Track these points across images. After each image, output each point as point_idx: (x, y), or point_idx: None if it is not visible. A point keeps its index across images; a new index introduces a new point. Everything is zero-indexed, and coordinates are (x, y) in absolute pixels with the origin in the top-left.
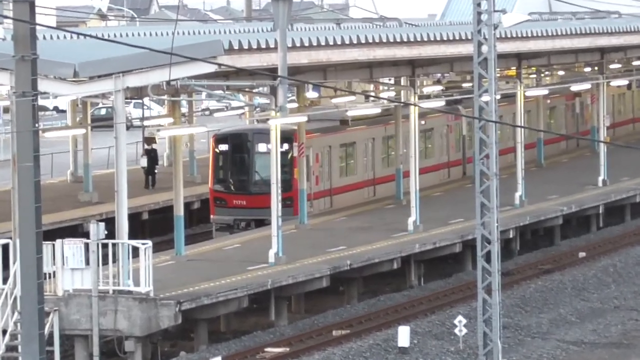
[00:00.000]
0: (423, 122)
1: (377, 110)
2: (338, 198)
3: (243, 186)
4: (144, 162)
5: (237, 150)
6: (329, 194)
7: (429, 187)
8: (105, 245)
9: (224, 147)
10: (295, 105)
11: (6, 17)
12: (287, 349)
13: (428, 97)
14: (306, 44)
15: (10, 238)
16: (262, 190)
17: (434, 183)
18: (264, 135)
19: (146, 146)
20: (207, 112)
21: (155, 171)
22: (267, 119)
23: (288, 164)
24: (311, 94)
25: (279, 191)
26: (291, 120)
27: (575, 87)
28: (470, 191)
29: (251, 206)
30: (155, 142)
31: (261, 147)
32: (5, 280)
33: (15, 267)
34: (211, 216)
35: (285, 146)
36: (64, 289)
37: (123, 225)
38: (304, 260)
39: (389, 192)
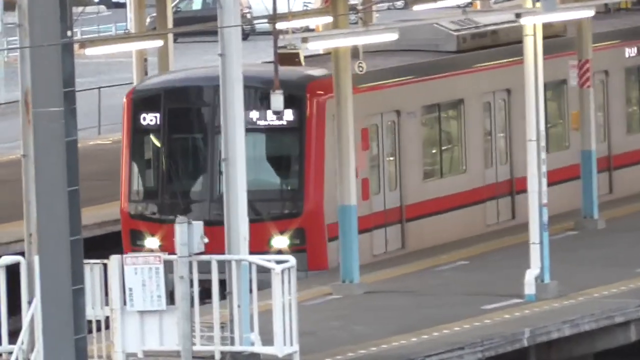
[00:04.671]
0: None
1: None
2: (417, 227)
3: (197, 208)
4: None
5: (180, 127)
6: (399, 218)
7: None
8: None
9: (151, 119)
10: None
11: None
12: None
13: None
14: None
15: (22, 253)
16: None
17: None
18: None
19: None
20: (398, 3)
21: None
22: (519, 16)
23: (296, 154)
24: None
25: (544, 169)
26: (562, 17)
27: None
28: None
29: (214, 250)
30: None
31: None
32: (13, 336)
33: (31, 310)
34: None
35: (290, 115)
36: (126, 352)
37: (240, 224)
38: (592, 290)
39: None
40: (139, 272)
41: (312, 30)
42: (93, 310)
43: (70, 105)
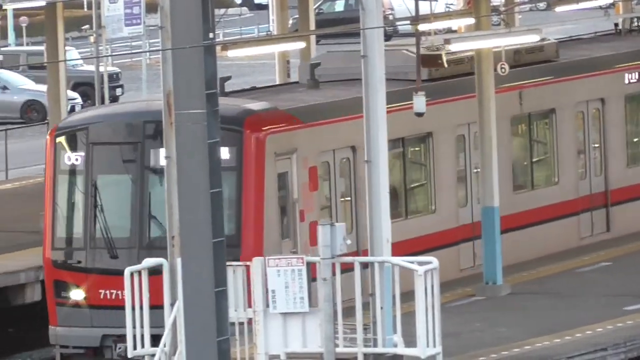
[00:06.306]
0: None
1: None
2: None
3: (125, 255)
4: None
5: (107, 167)
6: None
7: None
8: (346, 267)
9: (76, 158)
10: None
11: None
12: None
13: None
14: None
15: (164, 255)
16: None
17: None
18: None
19: None
20: (541, 5)
21: None
22: None
23: (232, 196)
24: None
25: None
26: None
27: None
28: None
29: (152, 302)
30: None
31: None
32: (155, 340)
33: (174, 312)
34: (50, 327)
35: (226, 153)
36: (269, 354)
37: (383, 226)
38: None
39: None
40: (281, 274)
41: (455, 31)
42: (236, 313)
43: (213, 107)
